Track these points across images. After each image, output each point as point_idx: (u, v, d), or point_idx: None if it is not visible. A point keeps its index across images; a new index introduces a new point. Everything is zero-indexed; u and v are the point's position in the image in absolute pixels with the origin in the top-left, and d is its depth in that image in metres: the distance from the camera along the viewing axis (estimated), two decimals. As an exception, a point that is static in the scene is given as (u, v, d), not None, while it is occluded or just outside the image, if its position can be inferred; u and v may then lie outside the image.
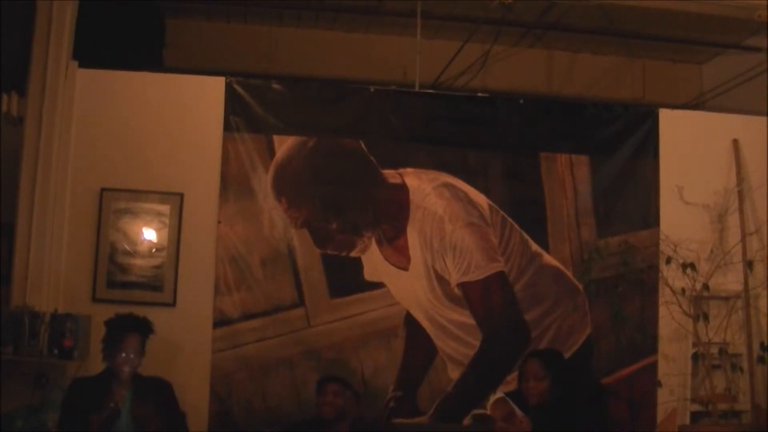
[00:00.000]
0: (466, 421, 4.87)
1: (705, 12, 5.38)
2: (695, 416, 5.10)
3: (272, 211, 4.93)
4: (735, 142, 5.28)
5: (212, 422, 4.80)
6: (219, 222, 4.89)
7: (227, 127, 4.96)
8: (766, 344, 5.12)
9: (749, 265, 5.16)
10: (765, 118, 5.37)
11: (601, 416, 4.58)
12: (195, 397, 4.71)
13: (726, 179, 5.26)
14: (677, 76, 6.49)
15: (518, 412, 4.16)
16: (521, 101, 5.28)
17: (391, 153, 5.06)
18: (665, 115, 5.30)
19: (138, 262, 4.86)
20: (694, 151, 5.28)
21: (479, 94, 5.33)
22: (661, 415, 5.07)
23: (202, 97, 5.01)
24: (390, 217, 4.98)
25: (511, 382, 4.84)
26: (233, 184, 4.93)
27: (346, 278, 4.95)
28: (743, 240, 5.17)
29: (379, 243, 4.97)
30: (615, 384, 5.09)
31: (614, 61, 6.33)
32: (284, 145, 4.96)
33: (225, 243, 4.90)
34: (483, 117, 5.15)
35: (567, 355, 4.97)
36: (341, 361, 4.92)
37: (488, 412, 4.33)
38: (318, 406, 4.52)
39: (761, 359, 5.11)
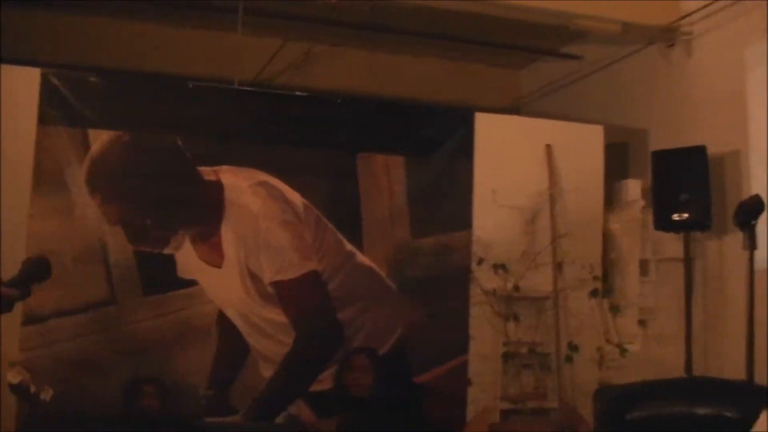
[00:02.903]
0: (279, 419, 5.87)
1: (524, 18, 6.42)
2: (505, 414, 6.13)
3: (85, 206, 5.61)
4: (548, 146, 6.38)
5: (21, 422, 5.27)
6: (31, 216, 5.50)
7: (42, 119, 5.55)
8: (573, 344, 6.25)
9: (559, 266, 6.26)
10: (578, 123, 6.59)
11: (418, 413, 5.71)
12: (3, 396, 5.51)
13: (539, 182, 6.34)
14: (496, 80, 7.72)
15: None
16: (339, 101, 6.34)
17: (207, 150, 5.87)
18: (481, 119, 6.34)
19: (-56, 256, 5.63)
20: (509, 154, 6.30)
21: (297, 93, 6.33)
22: (472, 413, 6.09)
23: (17, 89, 5.55)
24: (204, 214, 5.79)
25: (324, 380, 5.82)
26: (47, 178, 5.56)
27: (160, 275, 5.71)
28: (554, 242, 6.26)
29: (193, 240, 5.76)
30: (428, 382, 6.06)
31: (434, 63, 7.49)
32: (99, 139, 5.67)
33: (37, 238, 5.47)
34: (301, 116, 6.05)
35: (381, 352, 5.91)
36: (155, 359, 5.66)
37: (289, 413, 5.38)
38: (132, 407, 5.44)
39: (569, 358, 6.19)
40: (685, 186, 6.03)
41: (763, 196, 4.29)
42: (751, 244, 4.13)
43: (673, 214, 6.04)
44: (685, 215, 6.02)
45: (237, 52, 6.14)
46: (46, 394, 3.36)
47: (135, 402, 5.41)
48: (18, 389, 3.30)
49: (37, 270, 3.35)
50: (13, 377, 3.34)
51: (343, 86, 7.17)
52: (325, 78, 7.20)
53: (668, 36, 6.61)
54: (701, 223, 6.02)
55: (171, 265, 5.79)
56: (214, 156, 5.93)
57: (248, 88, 6.24)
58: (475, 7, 6.33)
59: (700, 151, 5.96)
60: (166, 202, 5.79)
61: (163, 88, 6.02)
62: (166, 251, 5.79)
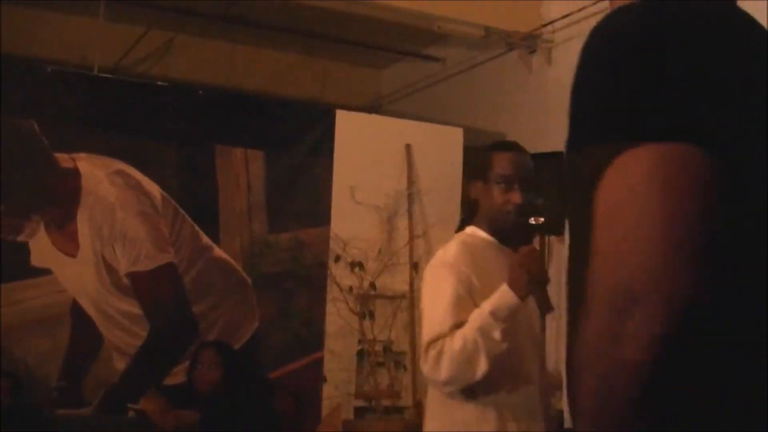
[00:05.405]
0: (130, 414, 6.52)
1: (386, 18, 7.24)
2: (359, 411, 6.91)
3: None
4: (408, 146, 7.27)
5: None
6: None
7: None
8: (428, 343, 7.17)
9: (415, 266, 7.09)
10: (438, 125, 7.51)
11: (269, 410, 6.47)
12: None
13: (397, 182, 7.20)
14: (357, 78, 8.63)
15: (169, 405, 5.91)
16: (200, 92, 7.11)
17: (64, 137, 6.43)
18: (342, 117, 7.14)
19: None
20: (369, 153, 7.10)
21: (158, 83, 7.09)
22: (326, 410, 6.84)
23: None
24: (60, 202, 6.35)
25: (177, 374, 6.46)
26: None
27: (12, 263, 6.21)
28: (411, 242, 7.12)
29: (47, 228, 6.30)
30: (282, 378, 6.83)
31: (296, 59, 8.36)
32: (-47, 122, 6.20)
33: None
34: (160, 106, 6.73)
35: (235, 347, 6.56)
36: (6, 349, 6.12)
37: (141, 407, 6.02)
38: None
39: (423, 358, 7.14)
40: (541, 190, 6.88)
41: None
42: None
43: (529, 217, 6.88)
44: (541, 219, 6.82)
45: (98, 39, 6.77)
46: None
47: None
48: None
49: None
50: None
51: (205, 78, 7.93)
52: (187, 69, 7.95)
53: (529, 43, 7.53)
54: (556, 227, 6.89)
55: (23, 253, 6.31)
56: (72, 143, 6.50)
57: (107, 76, 6.91)
58: (338, 5, 7.09)
59: (556, 156, 6.83)
60: (21, 189, 6.31)
61: (21, 72, 6.54)
62: (20, 239, 6.31)
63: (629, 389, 1.21)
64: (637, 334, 1.21)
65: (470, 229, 3.82)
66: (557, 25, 7.29)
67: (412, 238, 7.18)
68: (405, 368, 7.10)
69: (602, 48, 1.44)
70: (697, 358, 1.25)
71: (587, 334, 1.28)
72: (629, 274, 1.23)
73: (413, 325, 7.06)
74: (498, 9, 7.28)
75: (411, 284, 7.12)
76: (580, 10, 6.89)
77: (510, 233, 3.80)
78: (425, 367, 3.48)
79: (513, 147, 3.91)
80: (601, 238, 1.31)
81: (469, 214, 3.92)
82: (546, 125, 7.16)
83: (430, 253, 7.12)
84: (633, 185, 1.27)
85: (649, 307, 1.21)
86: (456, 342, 3.41)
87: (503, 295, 3.40)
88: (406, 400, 7.06)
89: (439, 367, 3.43)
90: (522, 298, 3.42)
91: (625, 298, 1.22)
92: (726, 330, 1.29)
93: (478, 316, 3.42)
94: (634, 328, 1.21)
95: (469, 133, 7.52)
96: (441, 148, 7.35)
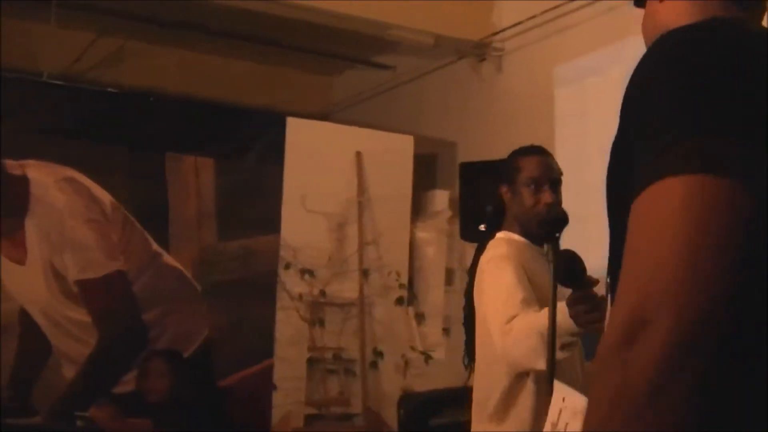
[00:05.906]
0: (79, 423, 6.55)
1: (337, 26, 7.34)
2: (310, 419, 7.00)
3: None
4: (358, 154, 7.36)
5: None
6: None
7: None
8: (379, 350, 7.24)
9: (365, 273, 7.23)
10: (388, 132, 7.59)
11: (220, 417, 6.54)
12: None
13: (348, 190, 7.27)
14: (308, 86, 8.74)
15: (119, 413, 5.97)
16: (151, 99, 7.17)
17: (13, 143, 6.41)
18: (293, 124, 7.22)
19: None
20: (319, 160, 7.20)
21: (108, 89, 7.15)
22: (276, 417, 6.95)
23: None
24: (8, 209, 6.35)
25: (128, 382, 6.51)
26: None
27: None
28: (360, 249, 7.22)
29: None
30: (233, 386, 6.92)
31: (247, 66, 8.46)
32: None
33: None
34: (111, 112, 6.82)
35: (185, 355, 6.66)
36: None
37: (90, 415, 6.06)
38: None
39: (374, 364, 7.15)
40: (491, 198, 6.97)
41: (567, 209, 4.94)
42: (555, 256, 4.72)
43: (478, 224, 6.96)
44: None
45: (48, 44, 6.82)
46: None
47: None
48: None
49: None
50: None
51: (156, 84, 8.00)
52: (138, 75, 8.01)
53: (480, 51, 7.65)
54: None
55: (-29, 261, 6.30)
56: (21, 150, 6.50)
57: (57, 82, 6.94)
58: (289, 12, 7.17)
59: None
60: (-32, 196, 6.27)
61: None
62: (-33, 246, 6.31)
63: (632, 398, 1.20)
64: (641, 359, 1.19)
65: (503, 234, 3.87)
66: (507, 33, 7.39)
67: (362, 245, 7.26)
68: (355, 375, 7.19)
69: (654, 69, 1.46)
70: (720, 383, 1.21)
71: (603, 349, 1.26)
72: (642, 296, 1.23)
73: (363, 332, 7.17)
74: (448, 17, 7.37)
75: (361, 291, 7.22)
76: (530, 18, 6.99)
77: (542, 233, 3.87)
78: (499, 345, 3.54)
79: (538, 150, 3.97)
80: (626, 259, 1.31)
81: (495, 221, 3.97)
82: (495, 133, 7.28)
83: (380, 260, 7.25)
84: (659, 214, 1.27)
85: (655, 333, 1.19)
86: (522, 330, 3.47)
87: (563, 317, 3.36)
88: (356, 407, 7.16)
89: (505, 343, 3.50)
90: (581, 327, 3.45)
91: (635, 322, 1.22)
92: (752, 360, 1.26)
93: (541, 325, 3.46)
94: (639, 353, 1.19)
95: (419, 140, 7.63)
96: (392, 156, 7.44)
